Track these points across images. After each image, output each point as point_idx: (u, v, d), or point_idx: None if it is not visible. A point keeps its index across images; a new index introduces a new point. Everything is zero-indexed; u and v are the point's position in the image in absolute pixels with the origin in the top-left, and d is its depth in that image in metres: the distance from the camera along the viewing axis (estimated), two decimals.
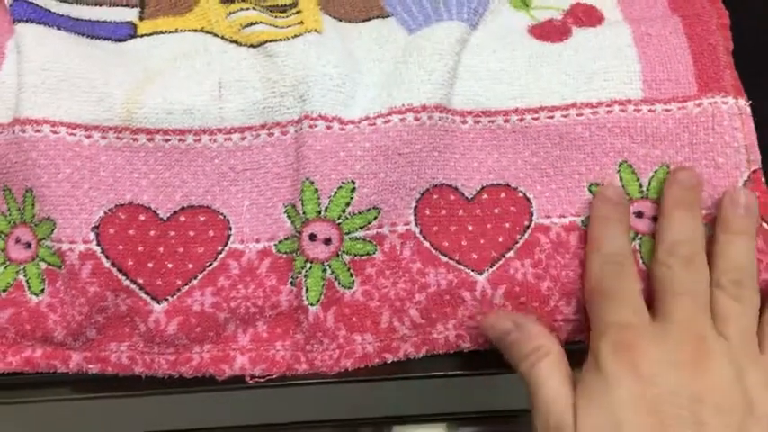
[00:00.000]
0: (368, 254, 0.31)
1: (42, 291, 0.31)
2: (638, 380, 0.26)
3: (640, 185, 0.32)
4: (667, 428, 0.25)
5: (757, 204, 0.30)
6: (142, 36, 0.34)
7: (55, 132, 0.30)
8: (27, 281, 0.32)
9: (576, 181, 0.32)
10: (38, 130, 0.30)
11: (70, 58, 0.31)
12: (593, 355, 0.27)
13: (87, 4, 0.35)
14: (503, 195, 0.32)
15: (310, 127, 0.31)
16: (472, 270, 0.31)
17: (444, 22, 0.33)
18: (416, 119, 0.31)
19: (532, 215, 0.32)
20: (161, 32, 0.34)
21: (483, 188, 0.32)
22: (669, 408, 0.25)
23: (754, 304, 0.28)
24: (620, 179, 0.32)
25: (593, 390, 0.26)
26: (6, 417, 0.38)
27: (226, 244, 0.32)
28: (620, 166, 0.32)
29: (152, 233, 0.31)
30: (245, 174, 0.32)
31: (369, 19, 0.35)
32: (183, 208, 0.32)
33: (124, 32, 0.34)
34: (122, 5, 0.35)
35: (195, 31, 0.34)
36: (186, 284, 0.31)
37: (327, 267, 0.30)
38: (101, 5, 0.35)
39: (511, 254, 0.31)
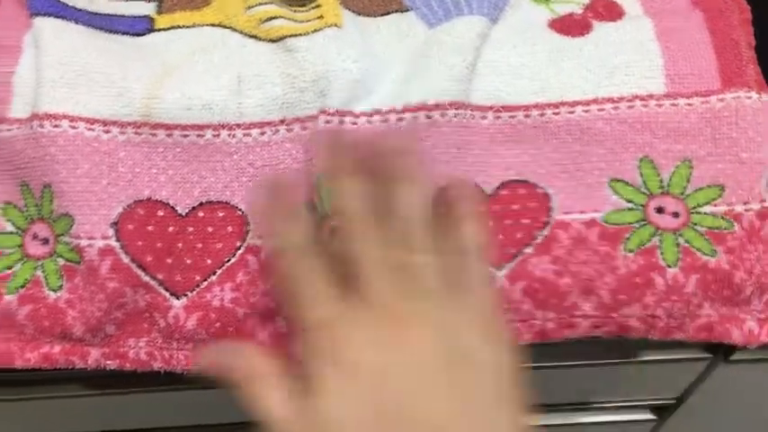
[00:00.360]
0: None
1: (61, 287, 0.31)
2: (343, 374, 0.25)
3: (661, 180, 0.31)
4: (385, 414, 0.24)
5: (413, 149, 0.28)
6: (160, 30, 0.34)
7: (74, 127, 0.30)
8: (45, 277, 0.32)
9: (597, 177, 0.32)
10: (56, 125, 0.30)
11: (88, 53, 0.31)
12: (301, 361, 0.26)
13: None
14: (522, 191, 0.32)
15: (326, 122, 0.30)
16: (491, 267, 0.31)
17: (465, 16, 0.32)
18: (428, 117, 0.31)
19: (552, 211, 0.31)
20: (179, 27, 0.34)
21: (502, 184, 0.32)
22: (381, 392, 0.24)
23: (434, 250, 0.27)
24: (641, 174, 0.31)
25: (306, 398, 0.25)
26: (18, 412, 0.38)
27: (244, 240, 0.31)
28: (640, 161, 0.31)
29: (171, 229, 0.31)
30: (265, 169, 0.32)
31: (388, 13, 0.35)
32: (201, 203, 0.31)
33: (142, 27, 0.34)
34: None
35: (213, 25, 0.34)
36: (205, 280, 0.31)
37: None
38: None
39: (529, 250, 0.31)
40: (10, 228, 0.32)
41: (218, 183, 0.32)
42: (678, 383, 0.44)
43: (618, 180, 0.31)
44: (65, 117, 0.30)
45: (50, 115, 0.30)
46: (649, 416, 0.49)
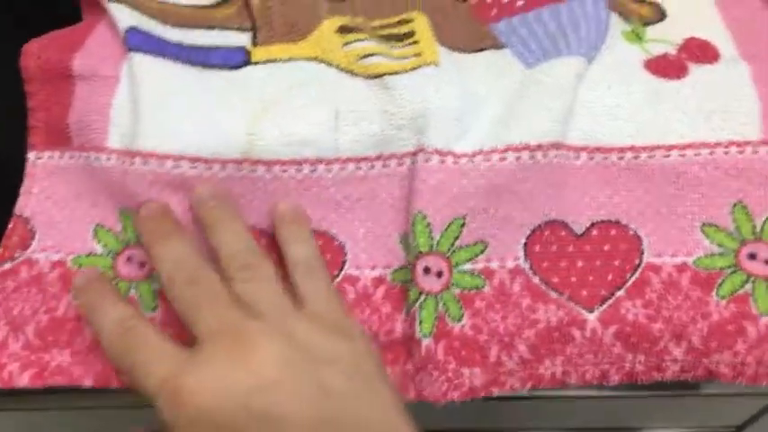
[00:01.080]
0: (477, 288, 0.31)
1: (156, 307, 0.32)
2: (202, 420, 0.24)
3: (754, 227, 0.31)
4: None
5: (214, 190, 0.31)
6: (256, 64, 0.34)
7: (177, 167, 0.31)
8: (140, 297, 0.32)
9: (689, 221, 0.32)
10: (161, 165, 0.31)
11: (188, 91, 0.32)
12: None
13: (200, 28, 0.35)
14: (613, 232, 0.32)
15: (425, 161, 0.31)
16: (582, 308, 0.31)
17: (563, 57, 0.33)
18: (531, 157, 0.31)
19: (643, 254, 0.32)
20: (275, 60, 0.34)
21: (593, 224, 0.32)
22: (245, 424, 0.24)
23: (267, 272, 0.28)
24: (734, 220, 0.31)
25: None
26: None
27: (342, 269, 0.32)
28: (734, 206, 0.32)
29: (274, 257, 0.32)
30: (361, 202, 0.32)
31: (482, 49, 0.35)
32: None
33: (238, 59, 0.34)
34: (234, 29, 0.35)
35: (310, 59, 0.34)
36: None
37: (440, 300, 0.31)
38: (213, 28, 0.35)
39: (621, 293, 0.31)
40: (100, 250, 0.33)
41: (315, 213, 0.32)
42: (740, 414, 0.45)
43: (710, 225, 0.32)
44: (168, 157, 0.31)
45: (154, 154, 0.31)
46: None
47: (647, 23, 0.36)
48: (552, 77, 0.32)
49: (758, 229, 0.31)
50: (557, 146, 0.31)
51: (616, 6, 0.36)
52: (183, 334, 0.31)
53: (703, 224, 0.32)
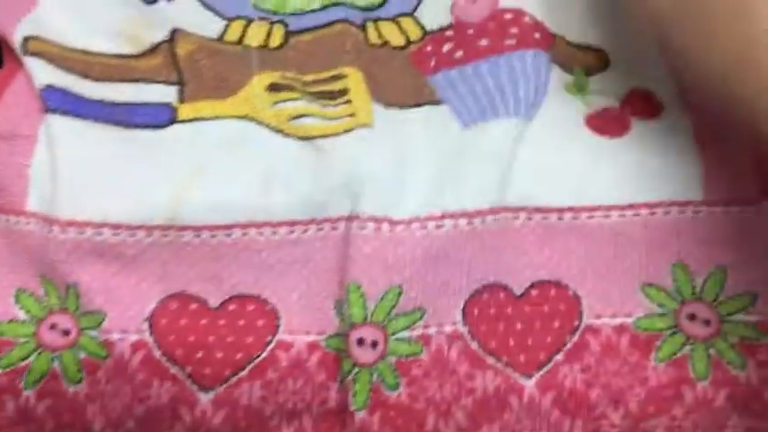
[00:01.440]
0: (414, 354, 0.31)
1: (80, 380, 0.31)
2: None
3: (694, 287, 0.31)
4: None
5: None
6: (183, 122, 0.32)
7: (99, 234, 0.30)
8: (63, 369, 0.31)
9: (629, 280, 0.31)
10: (81, 232, 0.30)
11: (110, 156, 0.31)
12: None
13: (124, 81, 0.33)
14: (552, 292, 0.31)
15: (360, 228, 0.30)
16: (520, 374, 0.31)
17: (501, 118, 0.32)
18: (469, 223, 0.30)
19: (582, 314, 0.31)
20: (203, 119, 0.32)
21: (533, 284, 0.31)
22: None
23: None
24: (674, 280, 0.31)
25: None
26: None
27: (275, 334, 0.31)
28: (673, 266, 0.31)
29: (202, 322, 0.31)
30: (295, 266, 0.31)
31: (419, 105, 0.33)
32: (231, 297, 0.31)
33: (164, 117, 0.32)
34: (160, 82, 0.34)
35: (239, 117, 0.32)
36: (235, 375, 0.31)
37: (374, 371, 0.30)
38: (137, 81, 0.34)
39: (559, 357, 0.31)
40: (23, 316, 0.32)
41: (248, 276, 0.31)
42: None
43: (650, 285, 0.31)
44: (88, 225, 0.30)
45: (73, 222, 0.30)
46: None
47: (590, 73, 0.35)
48: (488, 140, 0.31)
49: (698, 288, 0.31)
50: (494, 210, 0.31)
51: (559, 54, 0.35)
52: (113, 413, 0.30)
53: (643, 284, 0.31)
